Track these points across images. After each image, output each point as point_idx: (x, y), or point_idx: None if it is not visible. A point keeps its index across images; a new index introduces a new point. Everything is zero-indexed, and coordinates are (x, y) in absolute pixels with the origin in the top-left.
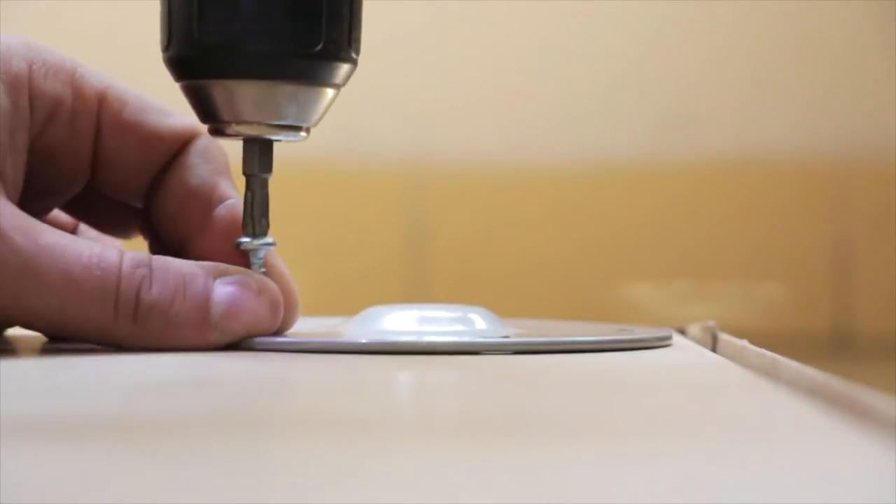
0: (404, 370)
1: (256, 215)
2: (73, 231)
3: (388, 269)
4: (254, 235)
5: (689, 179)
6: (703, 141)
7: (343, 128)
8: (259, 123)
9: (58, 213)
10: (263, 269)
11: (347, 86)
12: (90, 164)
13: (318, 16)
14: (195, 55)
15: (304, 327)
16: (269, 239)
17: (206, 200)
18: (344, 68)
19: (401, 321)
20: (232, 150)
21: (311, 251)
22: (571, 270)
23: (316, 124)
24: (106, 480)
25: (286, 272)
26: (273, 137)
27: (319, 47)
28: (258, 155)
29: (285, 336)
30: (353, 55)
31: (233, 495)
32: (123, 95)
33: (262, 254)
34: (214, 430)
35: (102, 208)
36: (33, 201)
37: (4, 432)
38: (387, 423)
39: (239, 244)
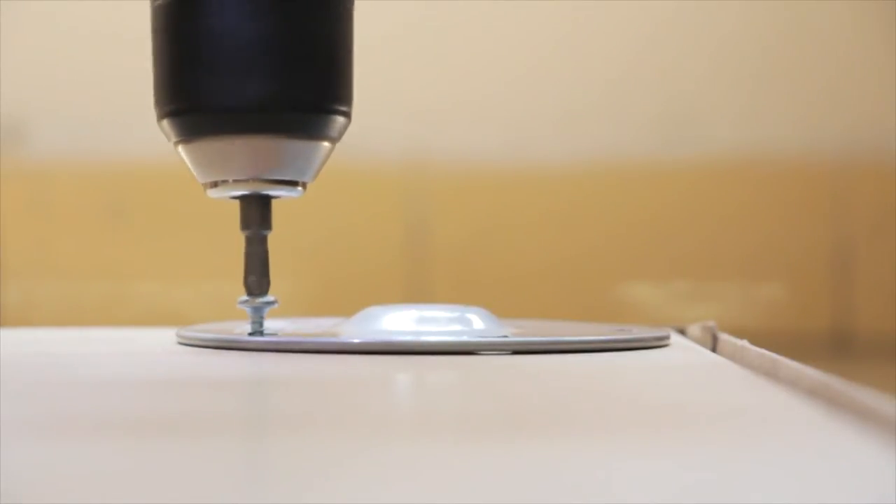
0: (402, 370)
1: (257, 273)
2: None
3: (387, 270)
4: (255, 294)
5: (690, 179)
6: (703, 141)
7: None
8: (255, 179)
9: None
10: (264, 328)
11: None
12: None
13: (312, 70)
14: (188, 114)
15: (304, 327)
16: (269, 297)
17: None
18: (339, 121)
19: (399, 321)
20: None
21: (310, 251)
22: (572, 270)
23: (313, 179)
24: (106, 480)
25: None
26: (270, 193)
27: (313, 101)
28: (257, 211)
29: (284, 336)
30: (347, 108)
31: (233, 495)
32: None
33: (263, 312)
34: (214, 430)
35: None
36: None
37: (4, 432)
38: (384, 422)
39: (239, 303)
